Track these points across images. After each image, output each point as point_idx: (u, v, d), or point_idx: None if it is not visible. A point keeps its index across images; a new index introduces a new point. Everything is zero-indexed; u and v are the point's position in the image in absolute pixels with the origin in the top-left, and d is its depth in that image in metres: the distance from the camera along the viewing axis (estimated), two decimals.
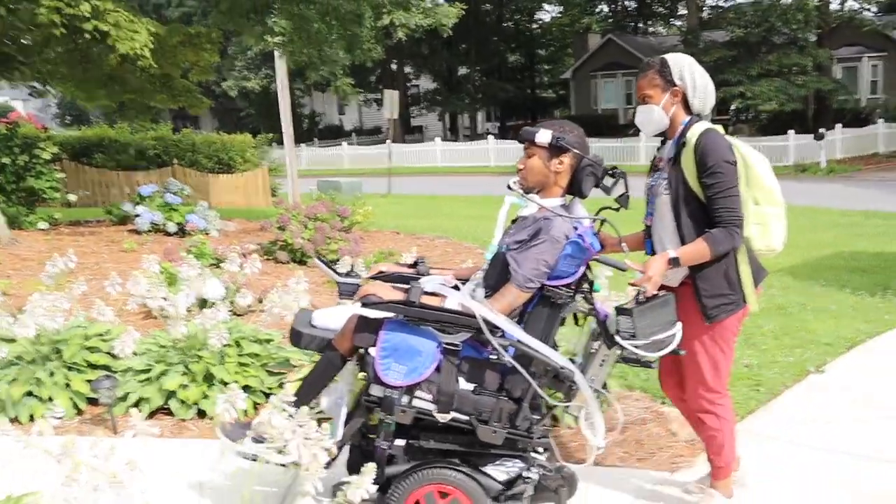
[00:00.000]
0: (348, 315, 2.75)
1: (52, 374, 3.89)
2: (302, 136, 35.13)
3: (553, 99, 46.27)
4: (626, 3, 44.33)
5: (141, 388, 3.83)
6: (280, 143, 19.64)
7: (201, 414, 3.80)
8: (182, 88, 11.55)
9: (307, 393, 2.79)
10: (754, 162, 2.76)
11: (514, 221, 2.86)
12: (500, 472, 2.67)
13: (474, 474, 2.61)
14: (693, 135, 2.73)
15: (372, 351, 2.59)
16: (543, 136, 2.70)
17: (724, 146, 2.70)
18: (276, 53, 16.19)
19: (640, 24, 44.15)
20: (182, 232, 9.03)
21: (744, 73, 25.66)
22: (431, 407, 2.58)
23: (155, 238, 8.85)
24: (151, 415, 3.77)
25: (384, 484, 2.59)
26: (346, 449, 2.84)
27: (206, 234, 9.00)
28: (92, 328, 4.24)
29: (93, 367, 4.00)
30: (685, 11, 45.12)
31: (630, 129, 29.51)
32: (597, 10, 45.19)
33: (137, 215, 8.98)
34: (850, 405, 4.20)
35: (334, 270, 3.25)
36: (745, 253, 2.78)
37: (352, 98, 11.72)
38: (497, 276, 2.74)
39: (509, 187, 2.81)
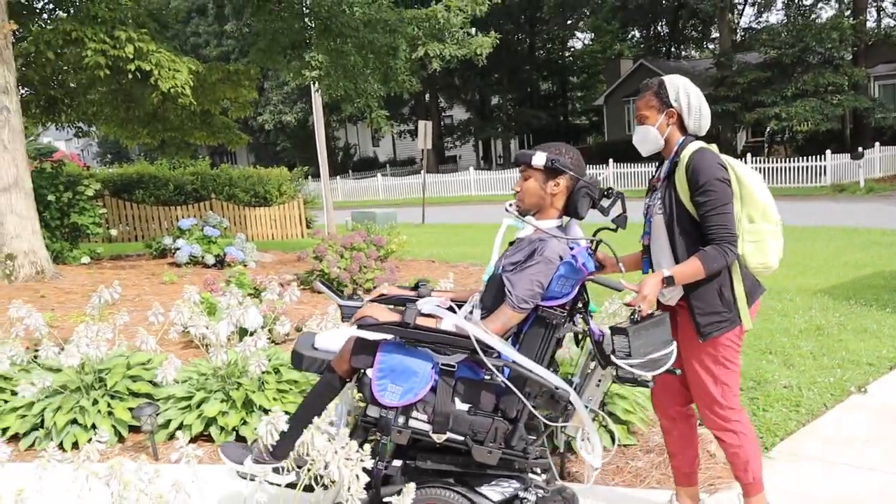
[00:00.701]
0: (347, 337, 2.80)
1: (95, 402, 3.99)
2: (337, 169, 35.61)
3: (586, 126, 46.29)
4: (659, 28, 44.38)
5: (181, 414, 3.91)
6: (316, 175, 19.97)
7: (240, 440, 3.86)
8: (221, 125, 11.85)
9: (305, 415, 2.80)
10: (748, 180, 2.77)
11: (511, 244, 2.89)
12: (495, 492, 2.67)
13: (469, 494, 2.61)
14: (686, 154, 2.76)
15: (369, 372, 2.63)
16: (539, 158, 2.75)
17: (716, 164, 2.72)
18: (313, 87, 16.56)
19: (673, 49, 44.11)
20: (220, 264, 9.20)
21: (778, 93, 25.43)
22: (427, 427, 2.60)
23: (194, 270, 9.02)
24: (192, 441, 3.85)
25: None
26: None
27: (245, 265, 9.16)
28: (134, 357, 4.35)
29: (134, 395, 4.11)
30: (717, 35, 45.19)
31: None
32: (629, 35, 45.35)
33: (177, 248, 9.17)
34: (890, 425, 4.13)
35: (338, 294, 3.30)
36: (739, 271, 2.78)
37: (386, 130, 11.91)
38: (493, 297, 2.76)
39: (507, 209, 2.84)
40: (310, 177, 20.31)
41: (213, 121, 11.58)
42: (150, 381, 4.18)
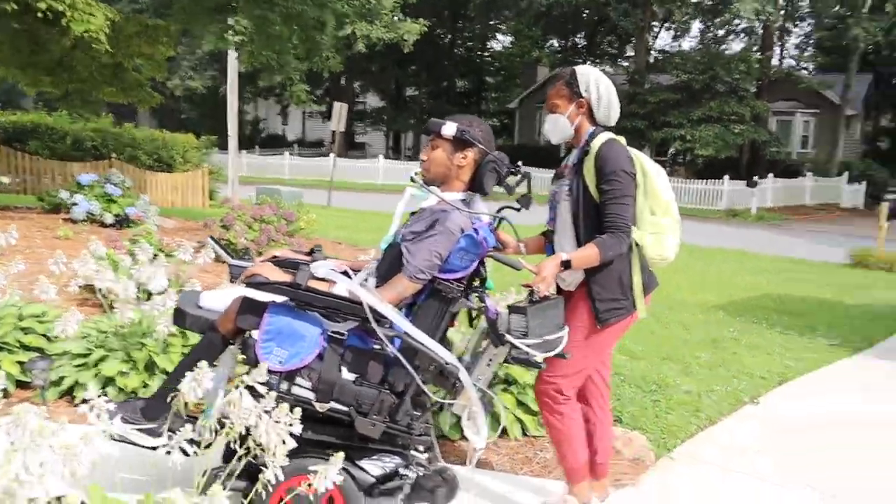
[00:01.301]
0: (236, 296, 2.68)
1: None
2: (243, 143, 34.64)
3: (497, 127, 46.76)
4: (577, 40, 45.24)
5: (77, 372, 3.69)
6: (222, 147, 19.39)
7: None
8: (133, 82, 11.31)
9: (183, 375, 2.72)
10: (653, 174, 2.86)
11: (412, 214, 2.84)
12: (375, 466, 2.59)
13: (348, 467, 2.52)
14: (596, 144, 2.80)
15: (254, 333, 2.53)
16: (449, 128, 2.71)
17: (624, 156, 2.78)
18: (231, 55, 16.01)
19: (589, 62, 45.10)
20: (119, 224, 8.78)
21: (685, 116, 26.44)
22: (311, 395, 2.51)
23: (90, 228, 8.57)
24: (85, 401, 3.63)
25: (255, 473, 2.51)
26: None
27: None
28: (27, 308, 4.08)
29: (25, 348, 3.85)
30: (632, 53, 46.50)
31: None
32: (548, 43, 46.05)
33: (74, 204, 8.70)
34: (780, 436, 4.32)
35: (228, 254, 3.18)
36: (638, 261, 2.85)
37: (299, 107, 11.61)
38: (389, 266, 2.71)
39: (412, 178, 2.80)
40: (216, 147, 19.68)
41: (125, 76, 11.04)
42: (44, 335, 3.93)
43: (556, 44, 46.23)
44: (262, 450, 2.02)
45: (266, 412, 1.98)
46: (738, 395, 4.94)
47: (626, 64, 46.63)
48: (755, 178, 23.76)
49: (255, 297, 2.56)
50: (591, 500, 3.02)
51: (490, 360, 2.73)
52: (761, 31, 31.64)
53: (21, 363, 3.69)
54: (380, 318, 2.48)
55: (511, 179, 2.76)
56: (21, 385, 3.76)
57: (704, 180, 24.59)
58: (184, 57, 36.40)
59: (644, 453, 3.72)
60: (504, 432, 3.65)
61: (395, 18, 10.94)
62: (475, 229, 2.62)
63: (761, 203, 23.79)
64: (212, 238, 3.55)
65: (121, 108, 22.69)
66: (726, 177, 24.27)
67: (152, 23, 9.96)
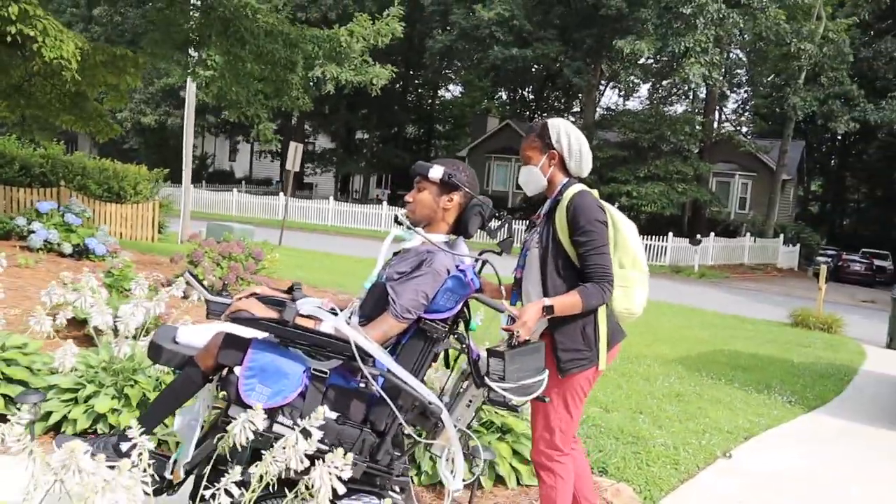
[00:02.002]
0: (215, 332, 2.67)
1: None
2: (191, 178, 34.25)
3: None
4: (525, 93, 46.24)
5: (65, 407, 3.59)
6: (167, 180, 19.11)
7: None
8: (94, 111, 11.13)
9: (160, 410, 2.68)
10: (623, 227, 2.90)
11: (395, 254, 2.87)
12: None
13: None
14: (568, 194, 2.85)
15: (237, 370, 2.51)
16: (436, 171, 2.75)
17: (596, 206, 2.83)
18: (189, 89, 15.90)
19: (536, 115, 46.09)
20: (79, 255, 8.57)
21: (632, 173, 27.17)
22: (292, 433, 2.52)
23: (49, 258, 8.36)
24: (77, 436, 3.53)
25: None
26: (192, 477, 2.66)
27: (103, 260, 8.59)
28: (9, 340, 3.96)
29: (9, 380, 3.73)
30: (578, 109, 47.70)
31: (517, 212, 30.44)
32: (496, 95, 46.94)
33: (32, 231, 8.47)
34: (756, 489, 4.44)
35: (206, 289, 3.17)
36: (604, 313, 2.88)
37: (264, 146, 11.50)
38: (373, 305, 2.72)
39: (396, 219, 2.83)
40: (169, 181, 19.41)
41: (85, 105, 10.86)
42: (27, 367, 3.82)
43: (504, 96, 47.24)
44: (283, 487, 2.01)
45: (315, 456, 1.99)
46: (711, 448, 5.05)
47: (572, 119, 47.90)
48: (698, 236, 24.47)
49: (237, 332, 2.56)
50: None
51: (470, 400, 2.76)
52: (704, 95, 32.94)
53: (5, 395, 3.58)
54: (365, 357, 2.48)
55: (494, 223, 2.82)
56: (2, 419, 3.64)
57: (648, 236, 25.21)
58: (136, 90, 36.01)
59: None
60: (501, 481, 3.67)
61: (364, 62, 11.02)
62: (462, 271, 2.67)
63: (703, 261, 24.49)
64: (189, 273, 3.52)
65: (60, 134, 22.33)
66: (670, 234, 24.94)
67: (120, 52, 9.84)
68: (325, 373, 2.52)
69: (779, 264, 27.93)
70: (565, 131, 2.93)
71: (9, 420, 3.65)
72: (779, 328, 13.55)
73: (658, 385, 6.98)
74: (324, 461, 1.98)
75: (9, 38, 8.03)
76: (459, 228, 2.82)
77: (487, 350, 2.65)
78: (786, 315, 14.76)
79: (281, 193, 31.70)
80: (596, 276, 2.76)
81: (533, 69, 40.66)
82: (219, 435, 2.48)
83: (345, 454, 2.40)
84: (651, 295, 11.32)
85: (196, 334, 2.79)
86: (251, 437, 2.09)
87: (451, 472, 2.67)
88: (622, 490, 3.89)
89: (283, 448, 1.98)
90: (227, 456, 2.48)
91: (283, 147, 43.00)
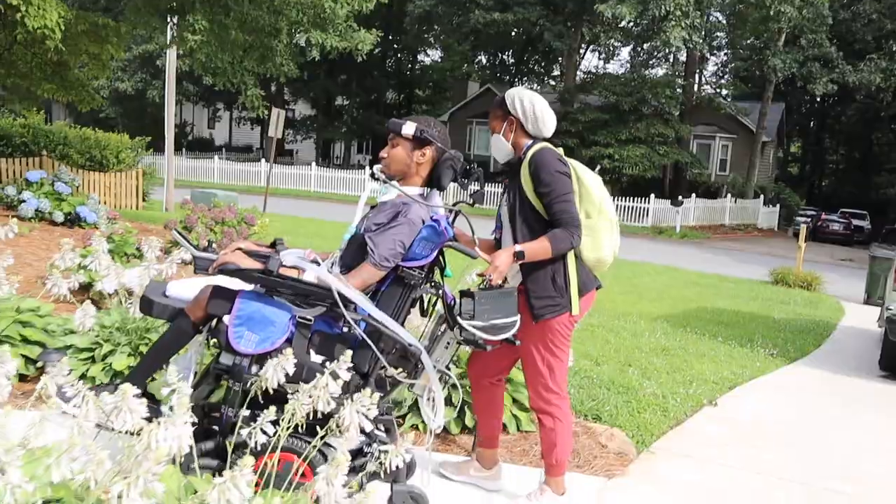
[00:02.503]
0: (203, 285, 2.80)
1: None
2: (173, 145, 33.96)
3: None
4: (505, 57, 46.03)
5: (83, 365, 3.72)
6: (149, 148, 19.03)
7: (149, 397, 3.72)
8: (75, 81, 11.07)
9: (153, 362, 2.81)
10: (586, 178, 3.05)
11: (372, 207, 3.01)
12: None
13: (317, 444, 2.54)
14: (530, 152, 3.03)
15: (226, 319, 2.63)
16: (408, 128, 2.89)
17: (556, 158, 3.00)
18: (170, 56, 15.77)
19: (516, 80, 45.94)
20: (70, 223, 8.62)
21: (614, 136, 27.28)
22: (281, 378, 2.59)
23: (41, 226, 8.40)
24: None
25: (224, 453, 2.57)
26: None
27: (96, 227, 8.64)
28: (23, 303, 4.07)
29: (27, 341, 3.85)
30: (557, 72, 47.58)
31: (500, 176, 30.55)
32: (476, 60, 46.70)
33: (23, 200, 8.49)
34: (742, 433, 4.66)
35: (192, 245, 3.29)
36: (573, 261, 3.03)
37: (252, 111, 11.52)
38: (353, 255, 2.86)
39: (373, 174, 2.95)
40: (152, 149, 19.32)
41: (67, 74, 10.80)
42: (43, 329, 3.93)
43: (484, 60, 47.00)
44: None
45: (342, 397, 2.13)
46: (697, 397, 5.26)
47: (552, 83, 47.82)
48: (680, 197, 24.72)
49: (225, 284, 2.69)
50: (566, 491, 3.21)
51: (448, 343, 2.92)
52: (684, 58, 33.01)
53: (25, 356, 3.70)
54: (347, 303, 2.62)
55: (465, 177, 2.92)
56: (22, 378, 3.76)
57: (630, 198, 25.43)
58: (114, 58, 35.52)
59: (626, 448, 3.98)
60: (503, 427, 3.84)
61: (349, 28, 11.02)
62: (436, 220, 2.81)
63: (685, 221, 24.76)
64: (177, 230, 3.63)
65: (36, 102, 22.12)
66: (652, 195, 25.18)
67: (103, 21, 9.78)
68: (310, 320, 2.65)
69: (759, 224, 28.30)
70: (519, 97, 3.09)
71: (29, 378, 3.79)
72: (760, 286, 13.83)
73: (645, 340, 7.19)
74: (352, 400, 2.13)
75: None
76: (432, 182, 2.95)
77: (460, 292, 2.82)
78: (766, 274, 15.06)
79: (262, 160, 31.59)
80: (563, 222, 2.92)
81: (513, 33, 40.47)
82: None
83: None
84: (634, 255, 11.64)
85: (185, 288, 2.91)
86: (283, 380, 2.23)
87: (433, 410, 2.85)
88: (616, 435, 4.08)
89: (308, 395, 2.13)
90: (226, 402, 2.62)
91: (265, 114, 42.80)
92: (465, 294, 2.77)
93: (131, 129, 28.98)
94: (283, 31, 10.25)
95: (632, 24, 27.80)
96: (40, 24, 7.96)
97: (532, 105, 3.07)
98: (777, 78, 27.52)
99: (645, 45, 30.57)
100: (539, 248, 2.91)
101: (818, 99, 41.15)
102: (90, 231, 7.41)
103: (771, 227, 28.93)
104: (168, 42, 10.01)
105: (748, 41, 32.44)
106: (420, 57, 48.08)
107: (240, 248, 2.98)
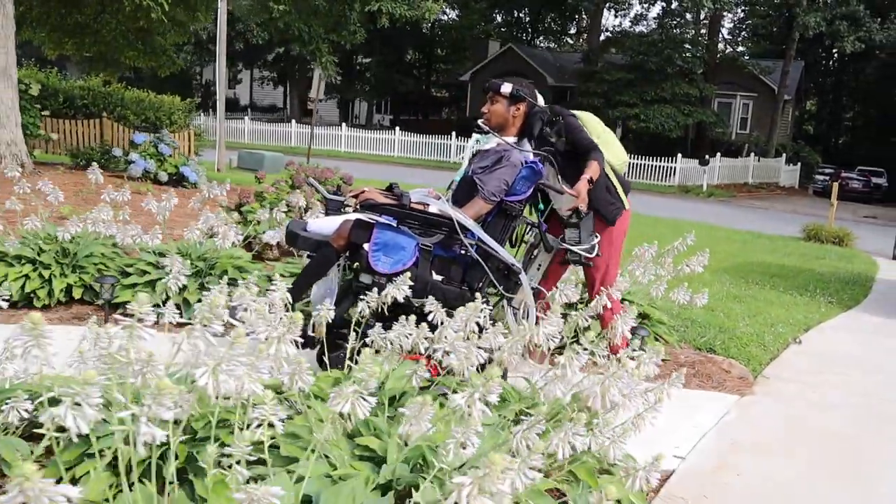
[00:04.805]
0: (338, 223, 3.43)
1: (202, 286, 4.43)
2: (199, 106, 34.44)
3: (445, 99, 47.46)
4: (521, 15, 46.03)
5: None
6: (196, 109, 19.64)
7: None
8: (158, 47, 11.69)
9: (304, 282, 3.47)
10: (582, 116, 3.90)
11: (474, 154, 3.72)
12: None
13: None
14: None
15: (365, 246, 3.24)
16: (506, 87, 3.64)
17: (567, 112, 3.83)
18: (221, 26, 16.26)
19: (534, 37, 46.02)
20: (174, 182, 9.32)
21: (639, 96, 27.72)
22: (409, 293, 3.10)
23: (154, 187, 9.10)
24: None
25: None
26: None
27: (195, 186, 9.34)
28: (234, 252, 4.79)
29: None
30: (574, 30, 47.61)
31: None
32: (492, 18, 46.72)
33: (131, 161, 9.18)
34: (829, 364, 5.40)
35: (325, 191, 4.00)
36: (611, 171, 3.87)
37: (331, 72, 12.12)
38: (464, 193, 3.58)
39: (477, 126, 3.69)
40: (200, 110, 19.90)
41: (151, 41, 11.43)
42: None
43: (499, 18, 47.00)
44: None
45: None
46: (784, 336, 6.00)
47: (570, 41, 47.92)
48: (706, 156, 25.25)
49: (362, 218, 3.35)
50: None
51: (539, 265, 3.70)
52: (704, 16, 33.23)
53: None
54: (463, 230, 3.32)
55: (549, 127, 3.71)
56: None
57: (656, 157, 25.97)
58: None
59: (745, 373, 4.73)
60: None
61: None
62: (534, 162, 3.53)
63: (710, 180, 25.35)
64: (312, 180, 4.39)
65: (48, 62, 22.47)
66: (679, 155, 25.71)
67: None
68: (430, 246, 3.34)
69: (781, 182, 28.88)
70: (515, 84, 3.79)
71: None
72: (794, 242, 14.49)
73: (716, 289, 7.91)
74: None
75: None
76: (524, 132, 3.69)
77: (564, 223, 3.57)
78: (797, 230, 15.71)
79: (293, 121, 32.10)
80: (591, 147, 3.72)
81: None
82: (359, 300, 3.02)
83: (452, 307, 3.03)
84: (667, 213, 12.42)
85: (322, 225, 3.60)
86: (401, 298, 2.86)
87: (525, 317, 3.52)
88: (734, 364, 4.83)
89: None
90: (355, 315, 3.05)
91: (284, 76, 43.09)
92: (568, 224, 3.54)
93: (157, 89, 29.55)
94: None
95: None
96: None
97: (529, 87, 3.81)
98: (809, 34, 27.81)
99: (672, 5, 30.72)
100: (595, 169, 3.65)
101: (835, 57, 41.30)
102: (194, 190, 8.09)
103: (792, 185, 29.51)
104: (250, 12, 10.53)
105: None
106: (438, 16, 48.09)
107: (363, 191, 3.66)
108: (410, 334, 2.63)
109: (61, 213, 6.11)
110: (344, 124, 31.98)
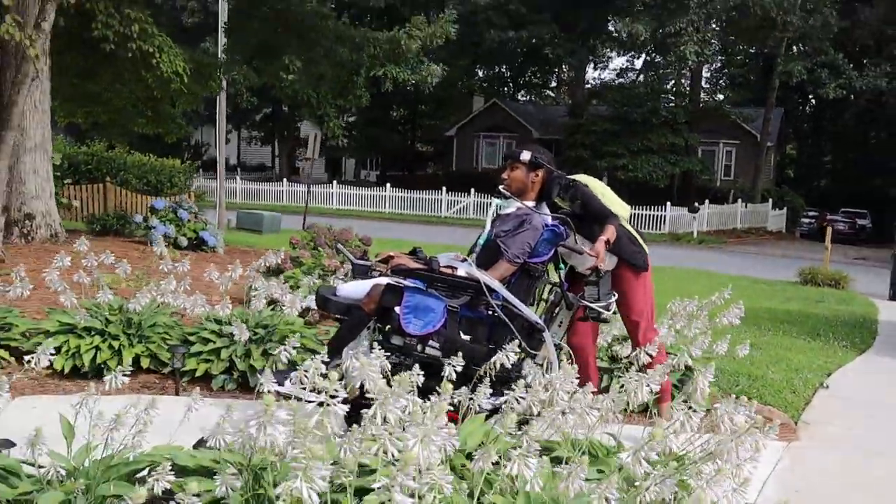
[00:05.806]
0: (367, 287, 3.64)
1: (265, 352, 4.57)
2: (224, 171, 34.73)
3: (430, 153, 48.02)
4: (502, 70, 46.73)
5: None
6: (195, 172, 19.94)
7: None
8: (166, 114, 11.96)
9: (340, 344, 3.62)
10: (589, 182, 4.18)
11: (495, 219, 3.97)
12: (487, 403, 3.01)
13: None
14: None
15: (396, 309, 3.43)
16: (525, 155, 3.92)
17: (580, 184, 4.12)
18: (221, 96, 16.61)
19: (515, 91, 46.69)
20: (193, 247, 9.47)
21: (625, 147, 28.29)
22: (439, 353, 3.45)
23: (171, 252, 9.23)
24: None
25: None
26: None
27: (214, 250, 9.50)
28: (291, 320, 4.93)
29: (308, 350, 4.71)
30: (554, 84, 48.50)
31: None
32: (474, 75, 47.45)
33: (151, 227, 9.34)
34: (861, 408, 5.59)
35: (351, 255, 4.28)
36: (627, 224, 4.16)
37: (338, 134, 12.47)
38: (487, 257, 3.79)
39: (499, 191, 3.95)
40: (200, 172, 20.18)
41: (160, 109, 11.69)
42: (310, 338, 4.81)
43: (481, 73, 47.67)
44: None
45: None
46: (811, 381, 6.18)
47: (552, 94, 48.79)
48: (696, 204, 25.72)
49: (392, 283, 3.55)
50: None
51: (561, 322, 3.90)
52: (690, 69, 34.10)
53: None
54: (490, 291, 3.52)
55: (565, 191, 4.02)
56: None
57: (645, 206, 26.38)
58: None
59: (785, 420, 4.90)
60: None
61: (419, 61, 11.96)
62: (555, 226, 3.79)
63: (700, 227, 25.78)
64: (340, 245, 4.61)
65: (75, 128, 22.81)
66: (668, 203, 26.17)
67: (207, 61, 10.69)
68: (457, 308, 3.56)
69: (769, 227, 29.38)
70: (534, 151, 4.09)
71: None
72: (792, 287, 14.73)
73: (734, 338, 8.07)
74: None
75: (129, 54, 8.85)
76: (542, 196, 3.95)
77: (586, 281, 3.78)
78: (791, 274, 15.99)
79: (284, 179, 32.41)
80: (605, 213, 3.97)
81: (518, 49, 41.43)
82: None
83: (479, 366, 3.15)
84: (662, 262, 12.68)
85: (351, 289, 3.80)
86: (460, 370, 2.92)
87: (549, 371, 3.65)
88: (773, 410, 5.01)
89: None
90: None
91: (271, 135, 43.54)
92: (588, 283, 3.76)
93: (147, 149, 29.85)
94: (364, 65, 11.16)
95: (645, 39, 28.82)
96: (173, 69, 8.85)
97: (547, 154, 4.11)
98: (792, 82, 28.59)
99: (657, 59, 31.57)
100: (611, 233, 3.90)
101: (813, 103, 42.34)
102: (214, 255, 8.26)
103: (780, 230, 30.02)
104: (262, 79, 10.84)
105: (743, 48, 33.57)
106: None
107: (391, 255, 3.91)
108: (523, 397, 2.74)
109: (101, 283, 6.21)
110: (335, 181, 32.31)
